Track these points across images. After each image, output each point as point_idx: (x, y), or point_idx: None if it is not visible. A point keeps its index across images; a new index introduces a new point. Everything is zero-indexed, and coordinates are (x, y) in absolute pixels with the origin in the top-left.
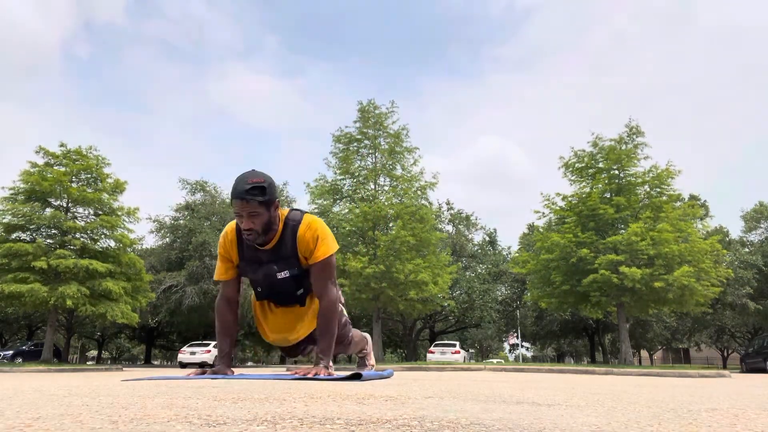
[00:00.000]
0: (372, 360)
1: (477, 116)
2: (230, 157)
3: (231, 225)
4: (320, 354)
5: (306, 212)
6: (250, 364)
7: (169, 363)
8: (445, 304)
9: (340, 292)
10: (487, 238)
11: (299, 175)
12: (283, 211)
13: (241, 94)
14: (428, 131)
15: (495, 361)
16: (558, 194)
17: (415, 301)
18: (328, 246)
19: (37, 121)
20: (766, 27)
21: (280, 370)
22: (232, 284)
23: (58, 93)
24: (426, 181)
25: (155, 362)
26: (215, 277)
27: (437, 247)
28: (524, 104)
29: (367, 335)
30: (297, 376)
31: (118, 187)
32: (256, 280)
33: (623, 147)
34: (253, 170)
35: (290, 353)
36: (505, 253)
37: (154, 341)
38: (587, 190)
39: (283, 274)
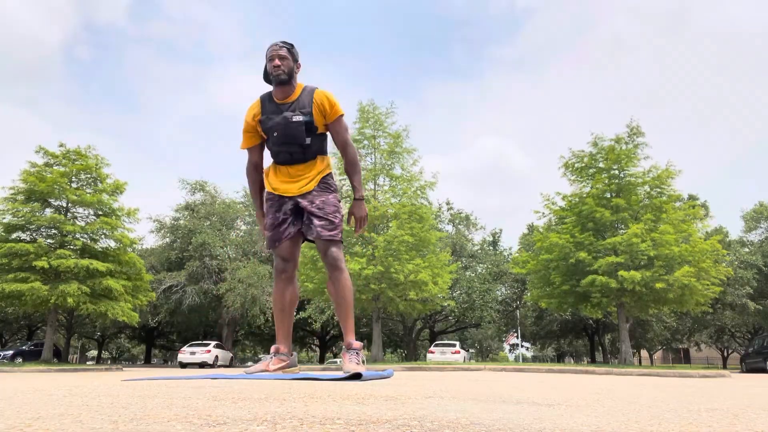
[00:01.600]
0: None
1: (477, 117)
2: (231, 157)
3: (256, 99)
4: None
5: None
6: (249, 364)
7: (170, 363)
8: (445, 305)
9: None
10: (490, 238)
11: None
12: (300, 84)
13: (242, 95)
14: (429, 132)
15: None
16: (558, 193)
17: (415, 301)
18: (340, 106)
19: (39, 123)
20: (765, 27)
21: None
22: (256, 150)
23: (60, 94)
24: (425, 181)
25: (155, 362)
26: (241, 147)
27: (437, 247)
28: (524, 105)
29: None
30: (297, 375)
31: (117, 188)
32: (273, 126)
33: (623, 147)
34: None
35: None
36: (505, 253)
37: (154, 341)
38: (587, 189)
39: (296, 118)
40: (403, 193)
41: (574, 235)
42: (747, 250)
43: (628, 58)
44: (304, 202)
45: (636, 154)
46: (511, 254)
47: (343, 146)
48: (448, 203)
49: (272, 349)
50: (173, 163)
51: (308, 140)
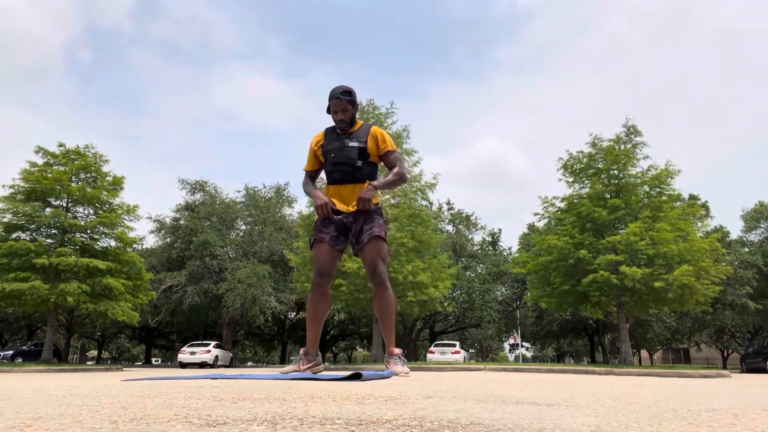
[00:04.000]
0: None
1: (477, 117)
2: (232, 157)
3: (321, 130)
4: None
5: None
6: (250, 364)
7: (170, 363)
8: (445, 307)
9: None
10: (490, 239)
11: (300, 174)
12: (360, 121)
13: (244, 96)
14: (429, 132)
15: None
16: (555, 197)
17: (414, 303)
18: (393, 143)
19: (40, 124)
20: (765, 27)
21: (279, 370)
22: (314, 173)
23: (61, 96)
24: (426, 182)
25: (155, 362)
26: (304, 168)
27: (437, 249)
28: (524, 105)
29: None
30: (297, 375)
31: (116, 183)
32: (331, 149)
33: (621, 147)
34: (342, 85)
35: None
36: (505, 253)
37: (154, 341)
38: (585, 190)
39: (352, 144)
40: (403, 194)
41: (574, 236)
42: (747, 249)
43: (628, 58)
44: (350, 220)
45: (634, 154)
46: (510, 254)
47: (391, 167)
48: (448, 203)
49: (302, 351)
50: (174, 163)
51: (360, 163)
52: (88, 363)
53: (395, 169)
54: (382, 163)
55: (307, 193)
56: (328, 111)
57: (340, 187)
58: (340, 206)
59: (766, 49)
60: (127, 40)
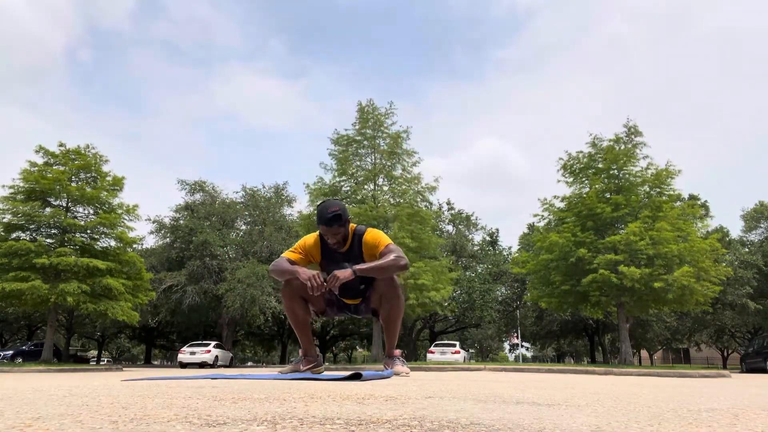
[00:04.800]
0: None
1: (477, 118)
2: (233, 157)
3: (314, 234)
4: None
5: (368, 226)
6: (250, 364)
7: (169, 363)
8: (446, 311)
9: (403, 255)
10: (488, 238)
11: (301, 175)
12: (353, 225)
13: (244, 96)
14: (429, 133)
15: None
16: (556, 197)
17: (416, 305)
18: (386, 240)
19: (41, 124)
20: (764, 28)
21: (277, 370)
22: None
23: (62, 96)
24: (426, 184)
25: (155, 362)
26: (288, 257)
27: (437, 250)
28: (524, 106)
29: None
30: (297, 375)
31: (116, 184)
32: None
33: (621, 147)
34: (328, 200)
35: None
36: (505, 253)
37: (154, 341)
38: (586, 190)
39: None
40: (402, 194)
41: (576, 234)
42: (747, 249)
43: (627, 58)
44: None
45: (634, 153)
46: (510, 254)
47: (382, 256)
48: (448, 203)
49: (301, 352)
50: (174, 163)
51: (362, 286)
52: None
53: (386, 257)
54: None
55: (283, 271)
56: (318, 223)
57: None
58: (347, 305)
59: (766, 49)
60: (127, 40)
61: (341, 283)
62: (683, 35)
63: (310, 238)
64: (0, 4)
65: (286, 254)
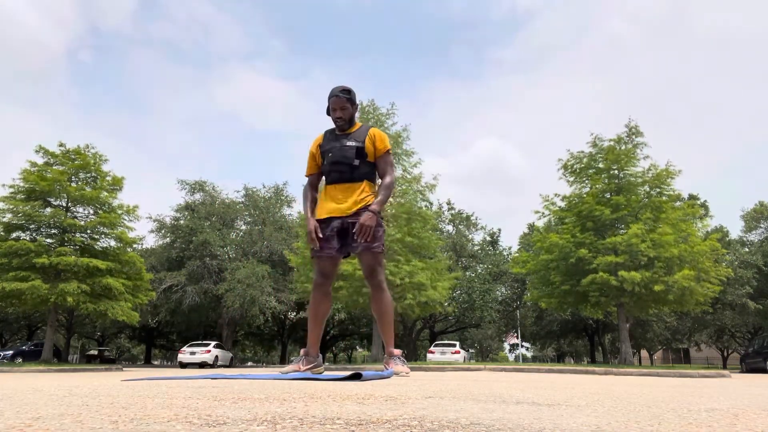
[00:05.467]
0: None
1: (477, 118)
2: (233, 157)
3: (321, 133)
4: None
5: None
6: (250, 364)
7: (169, 363)
8: (446, 308)
9: (395, 177)
10: (489, 238)
11: (301, 175)
12: (358, 123)
13: (244, 96)
14: (430, 133)
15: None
16: (557, 194)
17: (414, 304)
18: (388, 144)
19: (43, 125)
20: (764, 28)
21: (279, 370)
22: (315, 176)
23: (63, 96)
24: (426, 183)
25: (155, 362)
26: (305, 174)
27: (436, 249)
28: (523, 106)
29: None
30: (297, 375)
31: (116, 184)
32: (329, 149)
33: (622, 147)
34: (341, 84)
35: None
36: (505, 253)
37: (154, 341)
38: (586, 190)
39: (350, 143)
40: (402, 194)
41: (575, 234)
42: (747, 249)
43: (627, 59)
44: (348, 221)
45: (635, 154)
46: (510, 254)
47: (382, 174)
48: (448, 203)
49: (302, 351)
50: (174, 163)
51: (356, 162)
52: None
53: (386, 180)
54: None
55: (304, 208)
56: (328, 112)
57: (337, 186)
58: (336, 208)
59: (766, 49)
60: (128, 41)
61: (372, 228)
62: (683, 36)
63: (316, 137)
64: (2, 5)
65: (308, 171)
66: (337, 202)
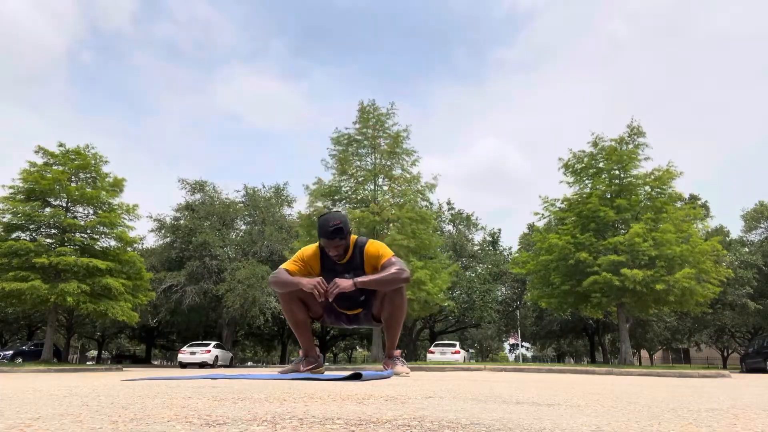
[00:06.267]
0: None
1: (477, 118)
2: (233, 157)
3: (313, 246)
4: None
5: (368, 238)
6: (250, 364)
7: (170, 363)
8: (445, 305)
9: (405, 268)
10: (490, 238)
11: (301, 175)
12: (353, 237)
13: (245, 97)
14: (430, 133)
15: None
16: (557, 198)
17: (413, 301)
18: (388, 253)
19: (42, 125)
20: (763, 28)
21: (279, 370)
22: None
23: (64, 97)
24: (426, 183)
25: (155, 362)
26: (287, 268)
27: (437, 249)
28: (523, 107)
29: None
30: (298, 375)
31: (116, 185)
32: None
33: (624, 147)
34: (330, 213)
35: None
36: (505, 253)
37: (154, 341)
38: (587, 190)
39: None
40: (402, 194)
41: (575, 235)
42: (747, 250)
43: (627, 59)
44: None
45: (637, 154)
46: (510, 254)
47: (383, 269)
48: (449, 203)
49: (301, 353)
50: (174, 163)
51: (362, 298)
52: (88, 363)
53: (388, 270)
54: None
55: (285, 283)
56: (320, 235)
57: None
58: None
59: (765, 49)
60: (129, 41)
61: (339, 291)
62: (683, 36)
63: (309, 249)
64: (4, 6)
65: (286, 265)
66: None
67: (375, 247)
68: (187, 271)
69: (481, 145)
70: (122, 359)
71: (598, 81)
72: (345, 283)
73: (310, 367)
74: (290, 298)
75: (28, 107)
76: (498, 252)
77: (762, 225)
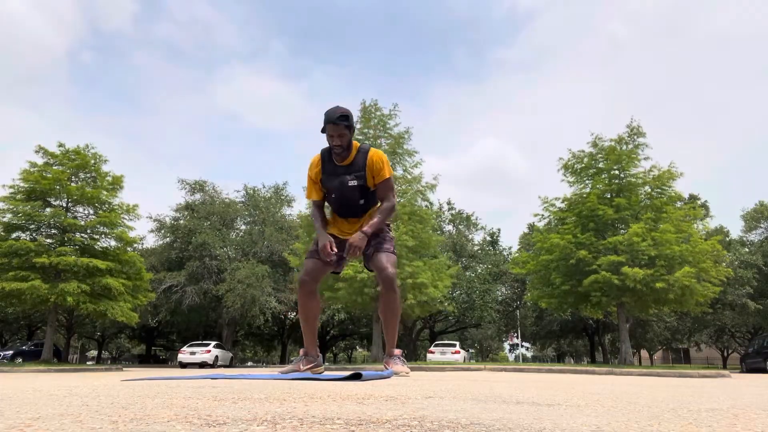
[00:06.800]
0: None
1: (478, 118)
2: (233, 157)
3: (317, 154)
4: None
5: (371, 145)
6: (250, 364)
7: (170, 363)
8: (445, 307)
9: (396, 202)
10: (489, 238)
11: (301, 175)
12: (356, 143)
13: (245, 97)
14: (430, 133)
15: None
16: (557, 198)
17: (414, 304)
18: (389, 169)
19: (43, 125)
20: (763, 28)
21: (279, 370)
22: (320, 201)
23: (64, 97)
24: (426, 183)
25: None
26: (307, 197)
27: (437, 250)
28: (524, 106)
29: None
30: (298, 375)
31: (116, 183)
32: (332, 188)
33: (624, 147)
34: (339, 105)
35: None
36: (505, 253)
37: (154, 341)
38: (587, 190)
39: (352, 182)
40: (403, 194)
41: (576, 235)
42: (747, 249)
43: (627, 59)
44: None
45: (637, 154)
46: (510, 254)
47: (381, 199)
48: (449, 203)
49: (301, 351)
50: (174, 163)
51: (362, 201)
52: (88, 363)
53: (384, 204)
54: None
55: (315, 226)
56: (323, 131)
57: (345, 221)
58: (347, 233)
59: (765, 49)
60: (129, 42)
61: (358, 248)
62: (683, 36)
63: (312, 161)
64: (5, 7)
65: (311, 196)
66: (342, 235)
67: (379, 157)
68: (187, 272)
69: (481, 145)
70: (144, 359)
71: (598, 81)
72: (358, 241)
73: (309, 366)
74: (309, 292)
75: (28, 107)
76: (498, 252)
77: (762, 225)
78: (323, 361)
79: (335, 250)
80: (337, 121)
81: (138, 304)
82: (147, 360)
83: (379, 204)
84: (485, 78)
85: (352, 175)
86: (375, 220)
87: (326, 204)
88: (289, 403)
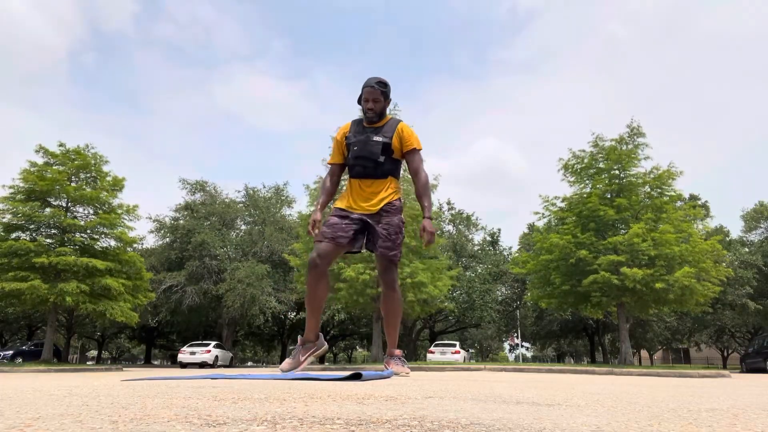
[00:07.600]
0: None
1: (478, 118)
2: (233, 157)
3: (348, 122)
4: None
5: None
6: (250, 364)
7: (169, 363)
8: (444, 307)
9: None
10: (489, 238)
11: (301, 175)
12: (389, 116)
13: (245, 97)
14: (430, 133)
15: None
16: (557, 197)
17: (414, 302)
18: (419, 142)
19: (43, 125)
20: (763, 28)
21: (279, 367)
22: (338, 167)
23: (64, 97)
24: None
25: (155, 362)
26: (329, 161)
27: (437, 249)
28: (523, 107)
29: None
30: (298, 375)
31: (116, 184)
32: (356, 141)
33: (624, 147)
34: (378, 76)
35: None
36: (505, 253)
37: (154, 341)
38: (587, 190)
39: (377, 138)
40: (403, 194)
41: (576, 235)
42: (747, 249)
43: (627, 60)
44: (371, 221)
45: (637, 154)
46: (510, 254)
47: (415, 172)
48: (449, 203)
49: (299, 340)
50: (175, 163)
51: (382, 158)
52: (88, 363)
53: (422, 178)
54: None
55: (319, 195)
56: (359, 101)
57: (361, 182)
58: (360, 205)
59: (765, 49)
60: (130, 42)
61: (434, 235)
62: (683, 36)
63: (344, 126)
64: (6, 8)
65: (332, 159)
66: (362, 200)
67: (410, 130)
68: (187, 272)
69: (481, 145)
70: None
71: (598, 81)
72: (431, 226)
73: (309, 353)
74: (320, 274)
75: (28, 107)
76: (498, 252)
77: (762, 225)
78: (323, 341)
79: (318, 230)
80: (375, 86)
81: (138, 304)
82: (149, 360)
83: (400, 178)
84: (485, 78)
85: (378, 134)
86: (425, 201)
87: (343, 176)
88: (289, 403)
